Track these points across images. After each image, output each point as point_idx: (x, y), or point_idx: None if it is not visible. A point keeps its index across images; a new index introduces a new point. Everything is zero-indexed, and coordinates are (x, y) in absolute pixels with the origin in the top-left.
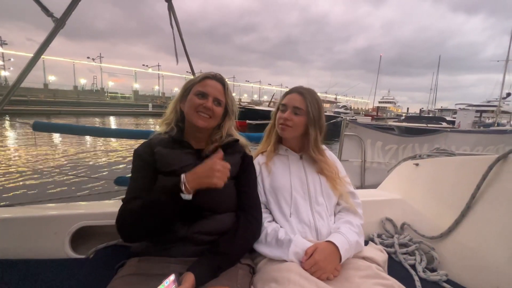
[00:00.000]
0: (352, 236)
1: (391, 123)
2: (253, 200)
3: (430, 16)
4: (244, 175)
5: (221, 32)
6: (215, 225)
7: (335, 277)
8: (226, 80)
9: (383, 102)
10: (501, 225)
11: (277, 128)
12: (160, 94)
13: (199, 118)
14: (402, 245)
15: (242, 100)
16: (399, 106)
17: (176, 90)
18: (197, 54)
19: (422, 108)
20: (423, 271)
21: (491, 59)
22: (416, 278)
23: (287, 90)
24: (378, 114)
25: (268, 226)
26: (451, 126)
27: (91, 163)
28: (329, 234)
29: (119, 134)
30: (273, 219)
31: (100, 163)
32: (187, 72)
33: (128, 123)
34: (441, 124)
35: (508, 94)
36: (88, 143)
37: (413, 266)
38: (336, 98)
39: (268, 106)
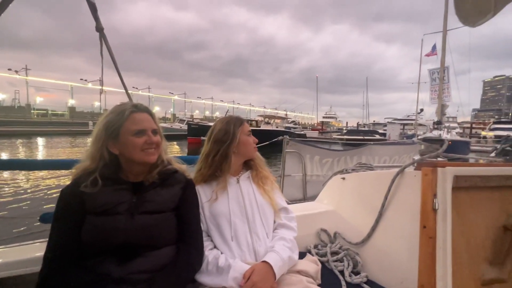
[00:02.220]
0: (285, 252)
1: (335, 136)
2: (194, 230)
3: (358, 43)
4: (185, 206)
5: (170, 48)
6: (153, 262)
7: None
8: (151, 110)
9: (326, 117)
10: (402, 229)
11: (250, 151)
12: (102, 111)
13: (148, 155)
14: (334, 253)
15: (194, 117)
16: (340, 120)
17: None
18: (145, 69)
19: (359, 122)
20: (349, 275)
21: (407, 81)
22: (343, 282)
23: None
24: (323, 128)
25: (209, 254)
26: (383, 138)
27: (8, 199)
28: (266, 253)
29: (33, 165)
30: (214, 246)
31: (20, 197)
32: (133, 87)
33: (61, 144)
34: (375, 136)
35: (422, 110)
36: (5, 174)
37: (342, 272)
38: (286, 114)
39: None
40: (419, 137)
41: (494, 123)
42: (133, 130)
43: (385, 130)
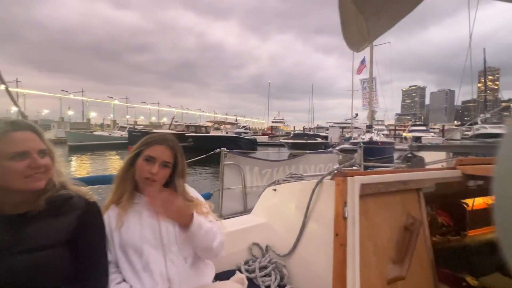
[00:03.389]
0: (207, 224)
1: (282, 140)
2: (95, 264)
3: (302, 53)
4: (82, 236)
5: (109, 49)
6: None
7: None
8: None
9: (275, 122)
10: (320, 238)
11: (143, 181)
12: (20, 117)
13: (34, 181)
14: (263, 268)
15: (138, 123)
16: (287, 125)
17: (46, 111)
18: (79, 70)
19: (305, 126)
20: None
21: (343, 89)
22: None
23: (153, 138)
24: (273, 132)
25: None
26: (324, 140)
27: None
28: (181, 281)
29: None
30: (123, 279)
31: None
32: (62, 90)
33: None
34: (317, 140)
35: (357, 114)
36: None
37: (269, 287)
38: (236, 120)
39: (169, 128)
40: (337, 148)
41: (411, 125)
42: (10, 153)
43: (327, 133)
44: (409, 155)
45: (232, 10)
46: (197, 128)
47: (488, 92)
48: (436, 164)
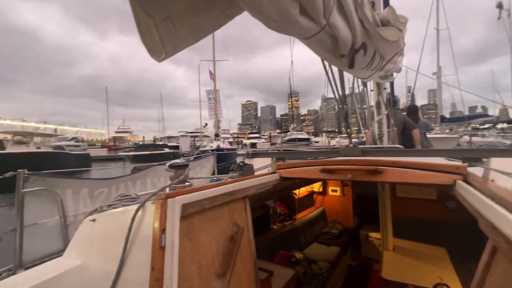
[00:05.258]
0: None
1: (121, 153)
2: None
3: (150, 60)
4: None
5: None
6: None
7: None
8: None
9: (120, 132)
10: (143, 276)
11: None
12: None
13: None
14: None
15: None
16: (135, 135)
17: None
18: None
19: (155, 136)
20: None
21: (193, 100)
22: None
23: None
24: (116, 144)
25: None
26: (174, 150)
27: None
28: None
29: None
30: None
31: None
32: None
33: None
34: (164, 150)
35: (206, 124)
36: None
37: None
38: (56, 130)
39: None
40: (167, 164)
41: (249, 134)
42: None
43: (178, 143)
44: (241, 163)
45: None
46: None
47: (294, 109)
48: (263, 170)
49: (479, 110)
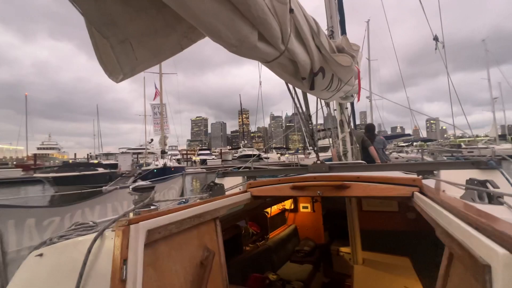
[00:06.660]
0: None
1: (37, 175)
2: None
3: (88, 69)
4: None
5: None
6: None
7: None
8: None
9: (43, 149)
10: None
11: None
12: None
13: None
14: None
15: None
16: (65, 152)
17: None
18: None
19: (90, 153)
20: None
21: (136, 114)
22: None
23: None
24: (37, 163)
25: None
26: (112, 170)
27: None
28: None
29: None
30: None
31: None
32: None
33: None
34: (97, 170)
35: (152, 140)
36: None
37: None
38: None
39: None
40: (132, 186)
41: (199, 150)
42: None
43: (118, 161)
44: (211, 183)
45: None
46: None
47: (244, 126)
48: (234, 189)
49: (398, 130)
